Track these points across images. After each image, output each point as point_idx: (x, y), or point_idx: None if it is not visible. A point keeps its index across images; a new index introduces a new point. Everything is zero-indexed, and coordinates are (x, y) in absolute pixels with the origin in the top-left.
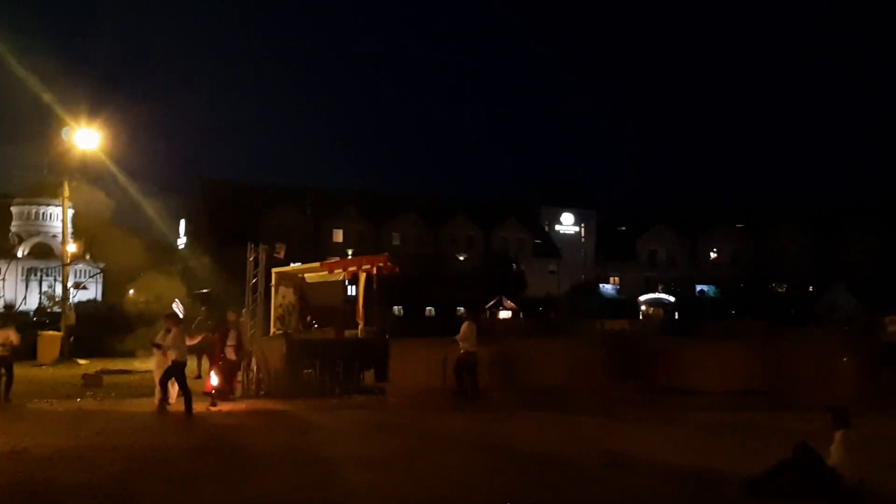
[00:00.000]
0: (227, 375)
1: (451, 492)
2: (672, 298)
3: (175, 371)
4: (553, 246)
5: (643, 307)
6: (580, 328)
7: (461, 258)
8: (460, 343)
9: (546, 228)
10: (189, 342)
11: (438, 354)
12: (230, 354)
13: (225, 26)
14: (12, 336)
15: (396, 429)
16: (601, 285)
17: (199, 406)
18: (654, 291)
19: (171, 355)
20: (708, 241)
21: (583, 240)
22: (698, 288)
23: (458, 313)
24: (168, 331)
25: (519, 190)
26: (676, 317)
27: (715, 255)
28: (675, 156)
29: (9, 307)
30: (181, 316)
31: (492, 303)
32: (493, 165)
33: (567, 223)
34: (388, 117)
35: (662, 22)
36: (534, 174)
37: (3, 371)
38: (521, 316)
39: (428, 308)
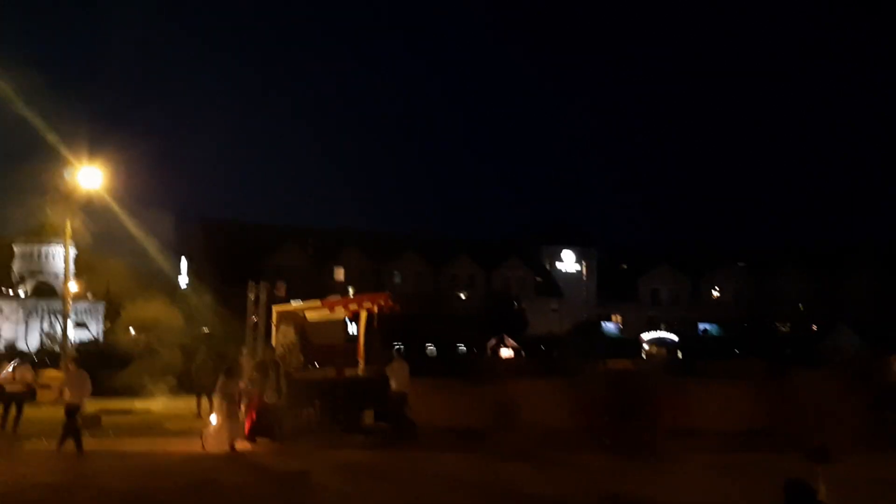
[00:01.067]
0: (266, 418)
1: None
2: (675, 337)
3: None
4: (555, 285)
5: (646, 346)
6: (582, 367)
7: (462, 297)
8: (391, 382)
9: (547, 267)
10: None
11: (440, 393)
12: (270, 398)
13: (226, 68)
14: (28, 374)
15: (395, 471)
16: (603, 324)
17: (196, 446)
18: (656, 330)
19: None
20: (710, 280)
21: (584, 278)
22: (701, 327)
23: (459, 351)
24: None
25: (520, 229)
26: (679, 356)
27: (717, 294)
28: (675, 195)
29: (10, 347)
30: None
31: (493, 342)
32: (495, 206)
33: (568, 262)
34: (390, 159)
35: (668, 62)
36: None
37: (13, 406)
38: (523, 355)
39: (429, 346)
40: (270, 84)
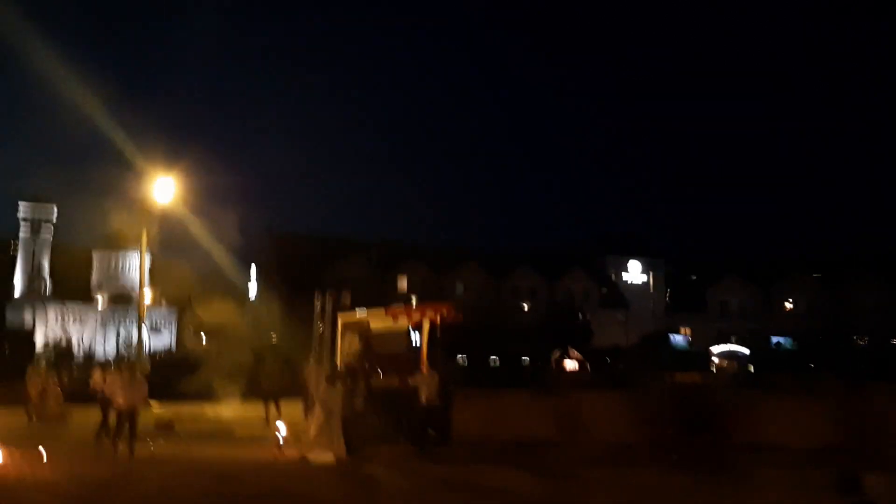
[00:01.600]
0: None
1: None
2: (746, 350)
3: None
4: (620, 296)
5: (716, 359)
6: (649, 380)
7: (525, 308)
8: (420, 393)
9: (613, 278)
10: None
11: (503, 404)
12: (358, 405)
13: (296, 81)
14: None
15: (461, 484)
16: (671, 336)
17: (266, 452)
18: (726, 343)
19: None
20: (781, 291)
21: (651, 290)
22: (773, 340)
23: (523, 362)
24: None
25: (584, 240)
26: (751, 369)
27: (790, 305)
28: (745, 204)
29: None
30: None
31: (557, 353)
32: (558, 217)
33: (634, 273)
34: (452, 171)
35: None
36: (600, 225)
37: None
38: (588, 367)
39: (492, 357)
40: (339, 98)
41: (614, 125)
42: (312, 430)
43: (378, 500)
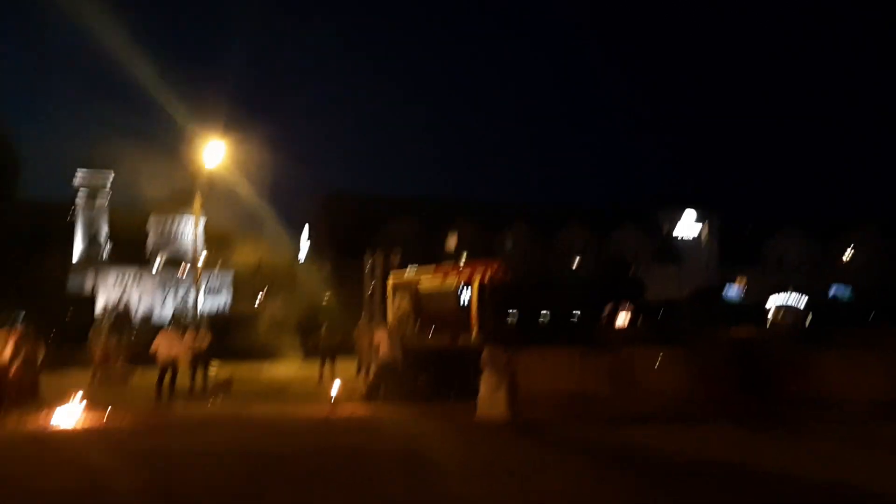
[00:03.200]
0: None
1: (570, 501)
2: (803, 303)
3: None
4: (673, 250)
5: (771, 313)
6: (703, 335)
7: (575, 264)
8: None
9: (665, 232)
10: None
11: (554, 361)
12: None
13: (344, 40)
14: (207, 339)
15: (508, 437)
16: (726, 290)
17: (321, 410)
18: (782, 296)
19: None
20: (841, 242)
21: (705, 243)
22: (831, 292)
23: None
24: None
25: (636, 194)
26: (808, 323)
27: (849, 257)
28: (804, 153)
29: (147, 316)
30: None
31: (608, 309)
32: (609, 172)
33: (688, 226)
34: (500, 128)
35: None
36: (652, 179)
37: (200, 368)
38: (640, 322)
39: (543, 313)
40: (388, 55)
41: (667, 75)
42: (483, 391)
43: (432, 452)
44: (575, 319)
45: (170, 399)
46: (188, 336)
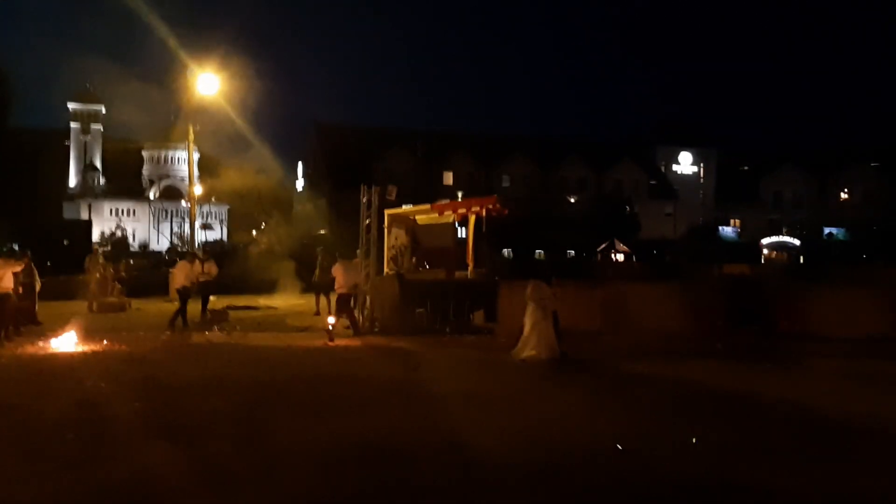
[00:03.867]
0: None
1: (557, 429)
2: (797, 242)
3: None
4: (670, 187)
5: (766, 251)
6: (697, 272)
7: (572, 200)
8: (338, 284)
9: (663, 169)
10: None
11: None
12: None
13: None
14: (213, 268)
15: (505, 368)
16: (721, 228)
17: (318, 341)
18: (777, 234)
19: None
20: (838, 181)
21: (702, 180)
22: (826, 231)
23: (567, 254)
24: None
25: (634, 130)
26: (801, 261)
27: (845, 195)
28: (801, 90)
29: (143, 247)
30: None
31: (604, 245)
32: (607, 106)
33: (685, 163)
34: (497, 60)
35: None
36: (649, 113)
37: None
38: (635, 259)
39: (538, 251)
40: None
41: (670, 9)
42: (527, 331)
43: (425, 378)
44: (571, 255)
45: (184, 328)
46: (197, 266)
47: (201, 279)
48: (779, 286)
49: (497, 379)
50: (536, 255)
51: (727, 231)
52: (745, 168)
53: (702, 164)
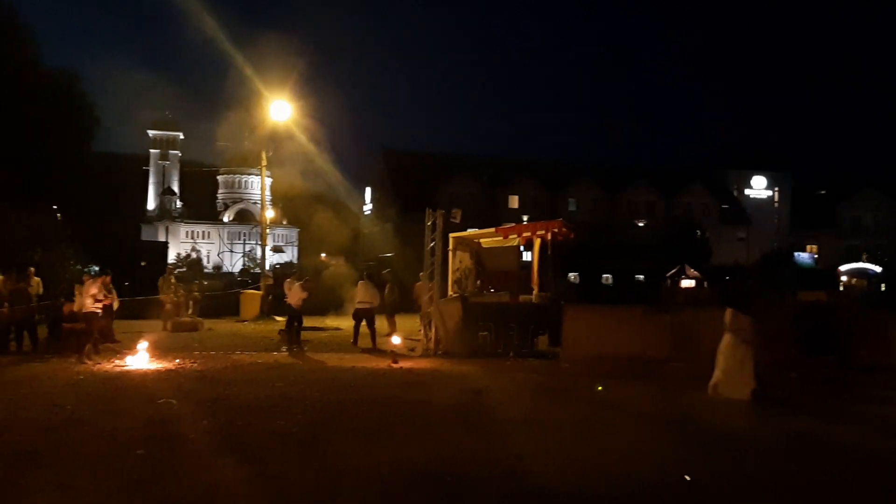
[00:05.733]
0: None
1: (622, 459)
2: (878, 269)
3: None
4: (742, 212)
5: (844, 278)
6: (771, 299)
7: (641, 225)
8: (357, 300)
9: (735, 193)
10: None
11: (613, 321)
12: None
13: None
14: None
15: (569, 394)
16: (796, 254)
17: (382, 363)
18: (856, 261)
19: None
20: None
21: (776, 205)
22: None
23: (635, 279)
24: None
25: (705, 154)
26: (882, 288)
27: None
28: (879, 112)
29: (216, 268)
30: None
31: (673, 271)
32: (677, 130)
33: (758, 187)
34: (565, 85)
35: None
36: (721, 137)
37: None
38: (705, 285)
39: (605, 275)
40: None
41: (741, 32)
42: (727, 364)
43: (488, 403)
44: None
45: (299, 345)
46: (297, 286)
47: (290, 302)
48: (858, 314)
49: (561, 406)
50: (603, 280)
51: (803, 257)
52: (822, 192)
53: (776, 189)
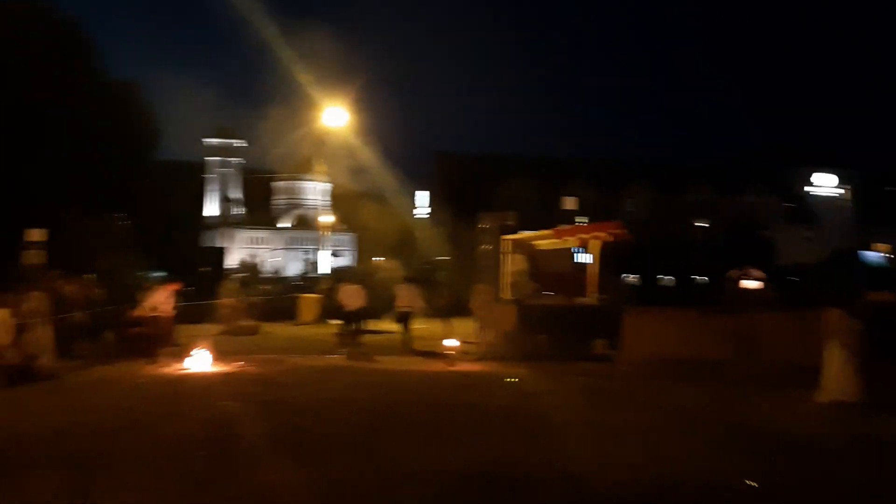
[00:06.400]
0: None
1: (681, 464)
2: None
3: None
4: (808, 210)
5: None
6: (838, 300)
7: (701, 225)
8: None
9: (799, 192)
10: None
11: (673, 323)
12: None
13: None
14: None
15: (627, 398)
16: (864, 253)
17: (437, 365)
18: None
19: None
20: None
21: (844, 203)
22: None
23: (695, 281)
24: None
25: (768, 150)
26: None
27: None
28: None
29: (275, 273)
30: None
31: (735, 272)
32: (737, 127)
33: (825, 185)
34: (620, 84)
35: None
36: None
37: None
38: (769, 287)
39: (664, 277)
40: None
41: (805, 24)
42: (834, 366)
43: (544, 407)
44: (699, 282)
45: (360, 346)
46: (356, 289)
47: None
48: None
49: (619, 410)
50: (663, 282)
51: (872, 256)
52: (892, 189)
53: (843, 186)
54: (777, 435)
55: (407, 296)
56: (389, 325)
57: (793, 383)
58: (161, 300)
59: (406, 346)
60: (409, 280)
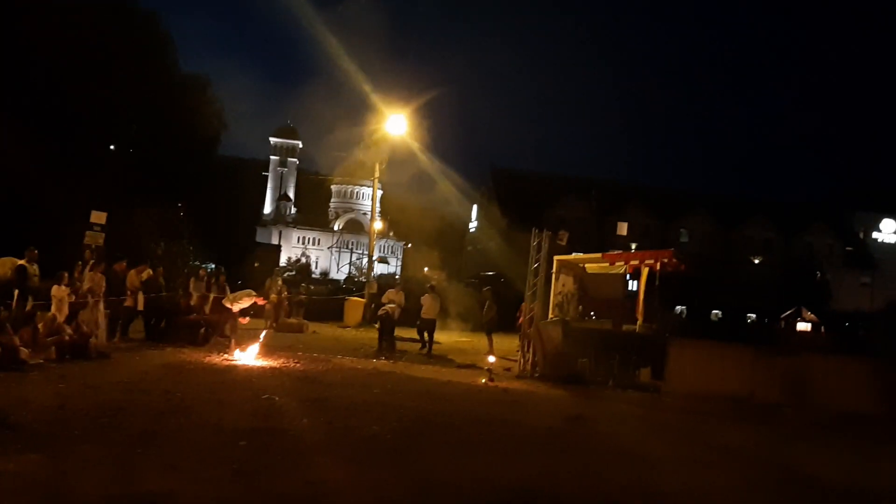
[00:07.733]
0: None
1: (717, 498)
2: None
3: None
4: (868, 255)
5: None
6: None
7: (756, 262)
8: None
9: (861, 236)
10: None
11: (722, 359)
12: None
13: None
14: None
15: (670, 429)
16: None
17: (478, 379)
18: None
19: None
20: None
21: None
22: None
23: (749, 319)
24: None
25: (829, 192)
26: None
27: None
28: None
29: (323, 274)
30: None
31: (789, 312)
32: (799, 165)
33: (887, 231)
34: (681, 111)
35: None
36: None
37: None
38: (823, 330)
39: (714, 311)
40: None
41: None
42: None
43: (583, 431)
44: (750, 320)
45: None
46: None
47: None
48: None
49: (661, 440)
50: (712, 316)
51: None
52: None
53: None
54: (833, 484)
55: (430, 305)
56: (434, 336)
57: (849, 430)
58: (243, 303)
59: (425, 355)
60: (431, 289)
